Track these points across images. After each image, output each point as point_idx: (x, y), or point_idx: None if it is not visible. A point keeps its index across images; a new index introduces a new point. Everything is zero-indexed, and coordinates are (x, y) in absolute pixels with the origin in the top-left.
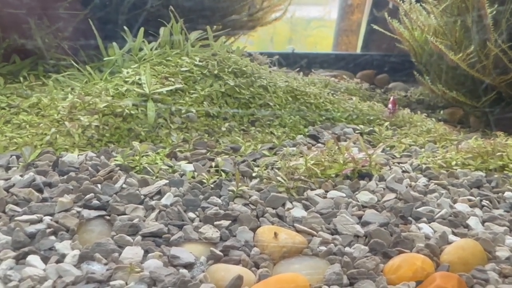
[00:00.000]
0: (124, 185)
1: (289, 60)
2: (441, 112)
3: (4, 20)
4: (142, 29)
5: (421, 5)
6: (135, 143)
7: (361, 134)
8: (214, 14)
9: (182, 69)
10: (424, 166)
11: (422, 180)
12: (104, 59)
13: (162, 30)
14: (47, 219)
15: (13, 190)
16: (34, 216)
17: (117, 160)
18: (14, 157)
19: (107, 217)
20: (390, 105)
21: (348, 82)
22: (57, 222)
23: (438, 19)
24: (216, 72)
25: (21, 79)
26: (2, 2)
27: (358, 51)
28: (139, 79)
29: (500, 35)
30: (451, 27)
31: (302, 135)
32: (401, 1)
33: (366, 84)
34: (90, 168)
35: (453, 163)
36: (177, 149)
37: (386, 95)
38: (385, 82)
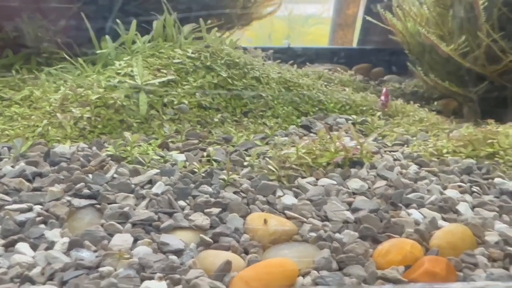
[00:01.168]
0: (115, 175)
1: (284, 55)
2: (435, 103)
3: None
4: (134, 22)
5: None
6: (127, 134)
7: (354, 124)
8: (208, 7)
9: (175, 61)
10: (415, 154)
11: (413, 168)
12: (97, 52)
13: (155, 23)
14: (37, 208)
15: (4, 180)
16: (24, 205)
17: (108, 151)
18: (6, 148)
19: (98, 206)
20: (382, 96)
21: (342, 74)
22: (47, 210)
23: (431, 10)
24: (208, 63)
25: (14, 72)
26: None
27: (354, 45)
28: (131, 71)
29: (491, 25)
30: (443, 18)
31: (294, 126)
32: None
33: (361, 76)
34: (81, 158)
35: (444, 151)
36: (169, 140)
37: (380, 87)
38: (381, 75)
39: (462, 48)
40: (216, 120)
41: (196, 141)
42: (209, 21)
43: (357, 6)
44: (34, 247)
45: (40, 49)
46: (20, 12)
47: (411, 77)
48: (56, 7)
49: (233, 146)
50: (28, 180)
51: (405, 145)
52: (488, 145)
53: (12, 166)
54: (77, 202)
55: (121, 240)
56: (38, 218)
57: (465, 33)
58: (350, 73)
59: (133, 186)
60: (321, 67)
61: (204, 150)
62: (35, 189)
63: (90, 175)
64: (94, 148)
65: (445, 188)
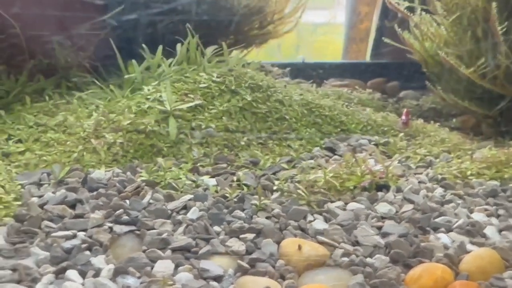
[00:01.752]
0: (151, 201)
1: (300, 70)
2: (454, 120)
3: (29, 41)
4: (160, 48)
5: (431, 16)
6: (160, 159)
7: (376, 145)
8: (227, 28)
9: (201, 85)
10: (440, 176)
11: (439, 191)
12: (125, 76)
13: (178, 46)
14: (81, 234)
15: (47, 207)
16: (69, 232)
17: (142, 176)
18: (45, 174)
19: (137, 232)
20: (403, 117)
21: (360, 93)
22: (90, 237)
23: (449, 30)
24: (233, 87)
25: (47, 97)
26: (26, 24)
27: (368, 59)
28: (160, 96)
29: (510, 46)
30: (462, 38)
31: (318, 147)
32: (410, 14)
33: (378, 93)
34: (117, 184)
35: (468, 173)
36: (199, 164)
37: (398, 105)
38: (396, 90)
39: (481, 69)
40: (242, 143)
41: (225, 165)
42: (228, 41)
43: (369, 20)
44: (83, 274)
45: (69, 74)
46: (50, 39)
47: (427, 92)
48: (85, 33)
49: (261, 169)
50: (70, 207)
51: (429, 167)
52: (511, 167)
53: (53, 192)
54: (118, 228)
55: (163, 266)
56: (83, 245)
57: (484, 53)
58: (368, 91)
59: (169, 212)
60: (337, 82)
61: (233, 174)
62: (77, 216)
63: (127, 201)
64: (128, 173)
65: (471, 211)
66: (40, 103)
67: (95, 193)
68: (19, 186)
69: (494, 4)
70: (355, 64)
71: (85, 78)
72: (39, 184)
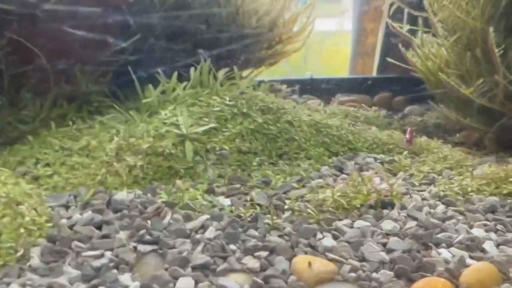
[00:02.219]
0: (171, 221)
1: (308, 87)
2: (457, 135)
3: (53, 69)
4: (175, 74)
5: (433, 35)
6: (178, 181)
7: (382, 163)
8: (238, 49)
9: (214, 109)
10: (442, 193)
11: (441, 207)
12: (142, 101)
13: (192, 70)
14: (108, 254)
15: (76, 228)
16: (97, 252)
17: (162, 198)
18: (72, 197)
19: (160, 251)
20: (407, 135)
21: (366, 111)
22: (117, 256)
23: (449, 51)
24: (245, 110)
25: (70, 122)
26: (50, 54)
27: (374, 73)
28: (176, 120)
29: (507, 65)
30: (462, 58)
31: (327, 166)
32: (412, 36)
33: (384, 111)
34: (139, 205)
35: (469, 189)
36: (215, 185)
37: (404, 121)
38: (402, 104)
39: (481, 88)
40: (254, 163)
41: (238, 185)
42: (238, 62)
43: (375, 36)
44: None
45: (90, 98)
46: (72, 67)
47: (433, 106)
48: (104, 60)
49: (273, 189)
50: (97, 227)
51: (432, 184)
52: (510, 183)
53: (81, 214)
54: (142, 248)
55: (185, 283)
56: (111, 264)
57: (483, 73)
58: (374, 109)
59: (188, 231)
60: (344, 97)
61: (247, 194)
62: (104, 236)
63: (149, 222)
64: (149, 194)
65: (471, 227)
66: (64, 127)
67: (119, 214)
68: (49, 208)
69: (491, 29)
70: (362, 79)
71: (104, 102)
72: (67, 206)
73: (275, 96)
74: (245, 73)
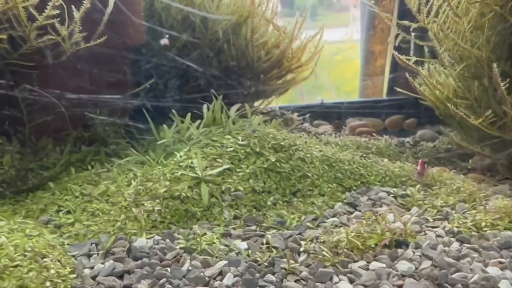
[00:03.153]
0: (190, 267)
1: (319, 112)
2: (470, 161)
3: (71, 115)
4: (189, 115)
5: (440, 65)
6: (195, 227)
7: (395, 197)
8: (248, 82)
9: (228, 149)
10: (456, 229)
11: (455, 245)
12: (158, 143)
13: (205, 109)
14: None
15: (99, 279)
16: None
17: (180, 243)
18: (94, 245)
19: None
20: (419, 167)
21: (377, 141)
22: None
23: (457, 80)
24: (257, 149)
25: (89, 167)
26: (69, 102)
27: (384, 96)
28: (191, 162)
29: None
30: (470, 87)
31: (340, 203)
32: (420, 67)
33: (395, 138)
34: (158, 252)
35: (483, 224)
36: (231, 227)
37: (416, 149)
38: (414, 126)
39: (490, 118)
40: (269, 203)
41: (254, 227)
42: (249, 92)
43: (384, 58)
44: None
45: (107, 141)
46: (90, 112)
47: (444, 132)
48: (120, 104)
49: (288, 229)
50: (119, 277)
51: (446, 220)
52: None
53: (102, 263)
54: None
55: None
56: None
57: (492, 101)
58: (385, 138)
59: (207, 279)
60: (355, 122)
61: (262, 236)
62: (126, 287)
63: (169, 269)
64: (167, 240)
65: (486, 265)
66: (84, 172)
67: (139, 262)
68: (73, 258)
69: (495, 65)
70: (372, 102)
71: (121, 144)
72: (89, 255)
73: (288, 126)
74: (256, 103)
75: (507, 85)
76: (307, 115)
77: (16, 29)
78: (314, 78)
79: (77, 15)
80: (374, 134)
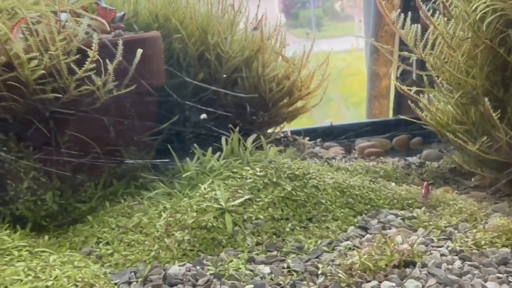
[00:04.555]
0: None
1: (329, 134)
2: (472, 179)
3: (104, 153)
4: (210, 149)
5: (439, 93)
6: (222, 254)
7: (403, 219)
8: (261, 109)
9: (248, 180)
10: (458, 248)
11: (457, 263)
12: (183, 175)
13: (224, 141)
14: None
15: None
16: None
17: (210, 269)
18: (133, 273)
19: None
20: (423, 190)
21: (385, 164)
22: None
23: (455, 107)
24: (274, 180)
25: (122, 200)
26: (101, 140)
27: (391, 115)
28: (215, 194)
29: (508, 121)
30: (468, 112)
31: (353, 226)
32: (420, 95)
33: (402, 160)
34: (191, 278)
35: (482, 242)
36: (254, 253)
37: (421, 170)
38: (419, 145)
39: (487, 143)
40: (287, 229)
41: (275, 253)
42: (261, 120)
43: (389, 79)
44: None
45: (136, 174)
46: (120, 149)
47: (446, 154)
48: (147, 140)
49: (306, 253)
50: None
51: (449, 240)
52: None
53: None
54: None
55: None
56: None
57: (488, 126)
58: (392, 161)
59: None
60: (364, 142)
61: (283, 260)
62: None
63: None
64: (198, 267)
65: (485, 280)
66: (117, 205)
67: None
68: (115, 286)
69: (486, 99)
70: (379, 122)
71: (149, 177)
72: (129, 282)
73: (301, 151)
74: (270, 130)
75: (500, 112)
76: (318, 140)
77: (58, 82)
78: (321, 90)
79: (110, 67)
80: (382, 157)
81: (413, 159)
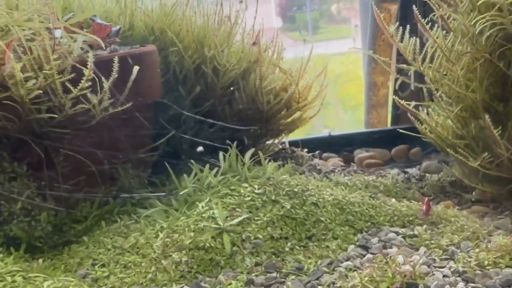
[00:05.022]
0: None
1: (327, 144)
2: (473, 193)
3: (100, 172)
4: (207, 165)
5: (438, 107)
6: (220, 277)
7: (404, 237)
8: (259, 121)
9: (246, 198)
10: (461, 269)
11: (460, 285)
12: (180, 193)
13: (221, 157)
14: None
15: None
16: None
17: None
18: None
19: None
20: (424, 206)
21: (384, 178)
22: None
23: (455, 121)
24: (273, 197)
25: (118, 219)
26: (95, 160)
27: (389, 125)
28: (213, 213)
29: (508, 136)
30: (468, 126)
31: (353, 245)
32: (420, 109)
33: (401, 174)
34: None
35: (485, 263)
36: (253, 274)
37: (421, 184)
38: (419, 155)
39: (487, 158)
40: (287, 248)
41: (274, 274)
42: (259, 132)
43: (386, 88)
44: None
45: (133, 192)
46: (117, 168)
47: (446, 168)
48: (143, 157)
49: (306, 274)
50: None
51: (452, 260)
52: None
53: None
54: None
55: None
56: None
57: (489, 140)
58: (392, 174)
59: None
60: (363, 153)
61: (283, 282)
62: None
63: None
64: None
65: None
66: (113, 224)
67: None
68: None
69: (487, 116)
70: (378, 132)
71: (145, 193)
72: None
73: (299, 164)
74: (267, 142)
75: (500, 127)
76: (317, 152)
77: (53, 101)
78: (319, 101)
79: (106, 85)
80: (381, 170)
81: (413, 171)
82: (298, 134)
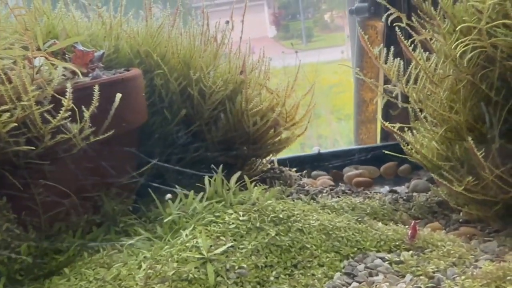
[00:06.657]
0: None
1: (316, 162)
2: (461, 213)
3: (81, 200)
4: (192, 192)
5: (423, 129)
6: None
7: (390, 263)
8: (246, 143)
9: (230, 226)
10: None
11: None
12: (164, 220)
13: (206, 182)
14: None
15: None
16: None
17: None
18: None
19: None
20: (410, 232)
21: (372, 200)
22: None
23: (440, 143)
24: (258, 224)
25: (101, 249)
26: (77, 188)
27: (378, 141)
28: (197, 242)
29: (492, 159)
30: (453, 148)
31: (339, 273)
32: (406, 130)
33: (389, 195)
34: None
35: None
36: None
37: (409, 204)
38: (408, 173)
39: (472, 182)
40: (272, 278)
41: None
42: (246, 152)
43: (375, 104)
44: None
45: (116, 219)
46: (99, 195)
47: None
48: (126, 183)
49: None
50: None
51: (437, 287)
52: (509, 282)
53: None
54: None
55: None
56: None
57: (474, 162)
58: (380, 196)
59: None
60: (352, 171)
61: None
62: None
63: None
64: None
65: None
66: (96, 255)
67: None
68: None
69: (470, 138)
70: (367, 149)
71: (129, 220)
72: None
73: (287, 185)
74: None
75: (484, 149)
76: (305, 172)
77: (32, 132)
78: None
79: (86, 114)
80: (368, 191)
81: (401, 189)
82: (291, 146)
